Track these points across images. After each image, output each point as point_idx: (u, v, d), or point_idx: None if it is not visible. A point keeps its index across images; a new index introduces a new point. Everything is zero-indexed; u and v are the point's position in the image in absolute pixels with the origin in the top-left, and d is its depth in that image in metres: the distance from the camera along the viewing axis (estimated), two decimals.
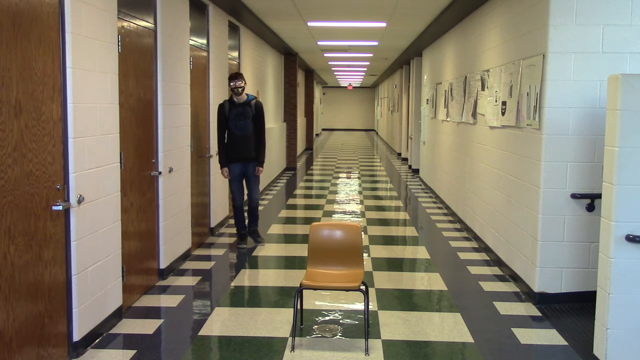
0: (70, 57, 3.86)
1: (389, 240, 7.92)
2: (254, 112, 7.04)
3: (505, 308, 5.20)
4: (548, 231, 5.20)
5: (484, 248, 7.17)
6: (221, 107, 7.03)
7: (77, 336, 4.05)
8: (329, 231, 4.68)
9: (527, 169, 5.52)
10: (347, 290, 4.63)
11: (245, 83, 6.99)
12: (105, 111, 4.41)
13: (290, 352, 4.21)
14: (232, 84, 6.92)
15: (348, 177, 14.73)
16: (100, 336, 4.38)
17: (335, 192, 12.12)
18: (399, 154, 19.91)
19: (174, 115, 6.12)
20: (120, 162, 4.77)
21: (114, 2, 4.57)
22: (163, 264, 5.86)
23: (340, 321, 4.83)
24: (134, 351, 4.20)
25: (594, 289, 4.15)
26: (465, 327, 4.74)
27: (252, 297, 5.62)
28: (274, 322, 4.77)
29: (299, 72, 19.03)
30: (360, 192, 12.13)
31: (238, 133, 6.97)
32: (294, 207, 10.63)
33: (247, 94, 7.05)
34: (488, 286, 5.82)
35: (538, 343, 4.46)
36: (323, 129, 39.02)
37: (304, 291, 4.50)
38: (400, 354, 4.23)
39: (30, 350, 3.54)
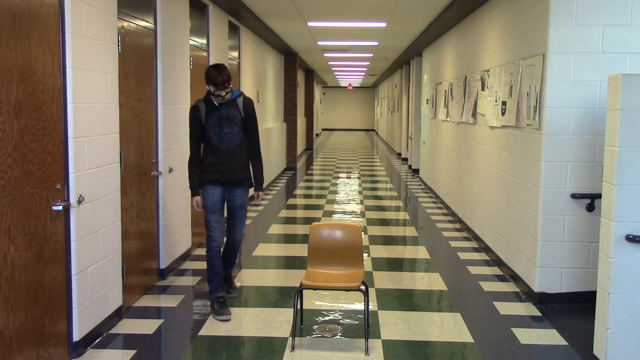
0: (70, 57, 3.86)
1: (389, 240, 7.92)
2: (244, 114, 4.99)
3: (505, 308, 5.20)
4: (548, 231, 5.20)
5: (484, 248, 7.17)
6: (195, 110, 4.95)
7: (77, 336, 4.05)
8: (329, 231, 4.68)
9: (527, 169, 5.52)
10: (347, 290, 4.63)
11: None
12: (105, 111, 4.41)
13: (290, 352, 4.21)
14: (214, 89, 4.83)
15: (348, 177, 14.73)
16: (100, 336, 4.38)
17: (335, 192, 12.12)
18: (399, 154, 19.91)
19: (174, 115, 6.12)
20: (120, 162, 4.77)
21: (114, 2, 4.57)
22: (163, 264, 5.87)
23: (340, 321, 4.83)
24: (134, 351, 4.20)
25: (594, 289, 4.15)
26: (465, 327, 4.74)
27: (252, 297, 5.62)
28: (274, 322, 4.77)
29: (299, 72, 19.03)
30: (360, 192, 12.13)
31: (221, 147, 4.92)
32: (294, 207, 10.62)
33: (231, 90, 4.96)
34: (488, 286, 5.82)
35: (538, 343, 4.46)
36: (323, 129, 39.02)
37: (304, 291, 4.50)
38: (400, 354, 4.23)
39: (30, 350, 3.54)
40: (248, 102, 5.07)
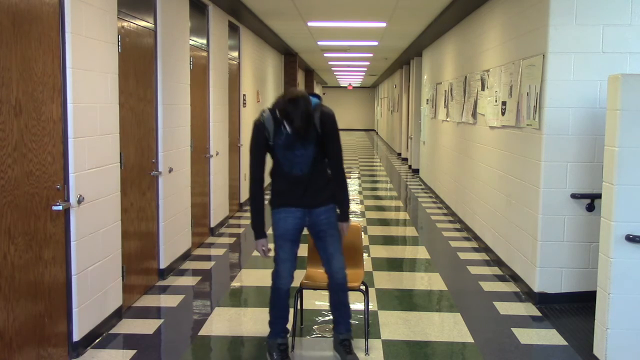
0: (70, 57, 3.86)
1: (389, 240, 7.92)
2: (321, 130, 3.90)
3: (505, 308, 5.19)
4: (548, 231, 5.20)
5: (484, 248, 7.17)
6: (260, 127, 3.90)
7: (77, 336, 4.05)
8: None
9: (527, 169, 5.52)
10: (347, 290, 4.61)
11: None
12: (105, 111, 4.41)
13: (291, 352, 4.21)
14: (289, 128, 3.79)
15: (348, 177, 14.74)
16: (100, 336, 4.38)
17: None
18: (399, 154, 19.91)
19: (174, 115, 6.12)
20: (120, 162, 4.77)
21: (114, 2, 4.57)
22: (163, 264, 5.86)
23: None
24: (134, 351, 4.20)
25: (594, 289, 4.15)
26: (465, 327, 4.74)
27: (252, 297, 5.62)
28: None
29: (299, 72, 19.02)
30: (360, 192, 12.13)
31: (292, 172, 3.95)
32: None
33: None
34: (488, 286, 5.82)
35: (538, 343, 4.46)
36: None
37: (304, 291, 4.49)
38: (400, 354, 4.23)
39: (30, 350, 3.54)
40: (327, 117, 3.93)
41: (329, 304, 4.14)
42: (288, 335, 4.11)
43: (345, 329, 4.08)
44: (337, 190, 4.06)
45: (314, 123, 3.84)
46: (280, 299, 4.01)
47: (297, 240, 4.06)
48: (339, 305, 4.07)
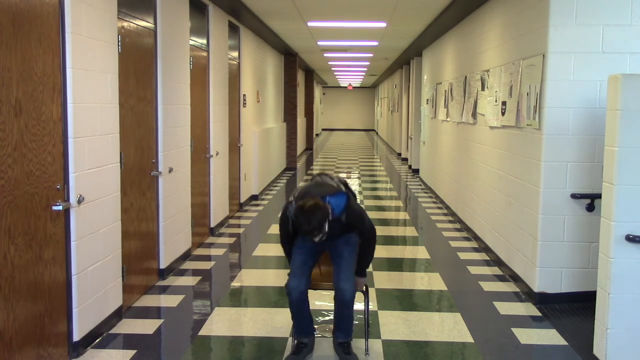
0: (70, 57, 3.87)
1: (389, 240, 7.92)
2: (346, 222, 4.01)
3: (505, 308, 5.20)
4: (548, 231, 5.20)
5: (484, 248, 7.17)
6: (286, 218, 4.07)
7: (77, 336, 4.05)
8: None
9: (527, 169, 5.52)
10: None
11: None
12: (105, 111, 4.41)
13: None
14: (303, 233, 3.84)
15: (348, 177, 14.72)
16: (100, 336, 4.38)
17: None
18: (399, 154, 19.91)
19: (174, 115, 6.12)
20: (120, 162, 4.77)
21: (114, 2, 4.57)
22: (163, 264, 5.86)
23: None
24: (134, 351, 4.20)
25: (594, 289, 4.15)
26: (465, 327, 4.74)
27: (252, 297, 5.62)
28: (274, 322, 4.77)
29: (299, 72, 19.03)
30: (360, 192, 12.13)
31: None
32: None
33: (330, 203, 3.88)
34: (488, 286, 5.82)
35: (538, 343, 4.46)
36: (323, 129, 39.02)
37: None
38: (400, 354, 4.23)
39: (30, 350, 3.54)
40: (354, 217, 4.04)
41: (335, 314, 4.17)
42: (315, 335, 4.27)
43: (344, 336, 4.13)
44: (362, 247, 4.16)
45: (341, 220, 3.96)
46: (291, 304, 4.07)
47: (311, 256, 4.13)
48: (341, 317, 4.11)
